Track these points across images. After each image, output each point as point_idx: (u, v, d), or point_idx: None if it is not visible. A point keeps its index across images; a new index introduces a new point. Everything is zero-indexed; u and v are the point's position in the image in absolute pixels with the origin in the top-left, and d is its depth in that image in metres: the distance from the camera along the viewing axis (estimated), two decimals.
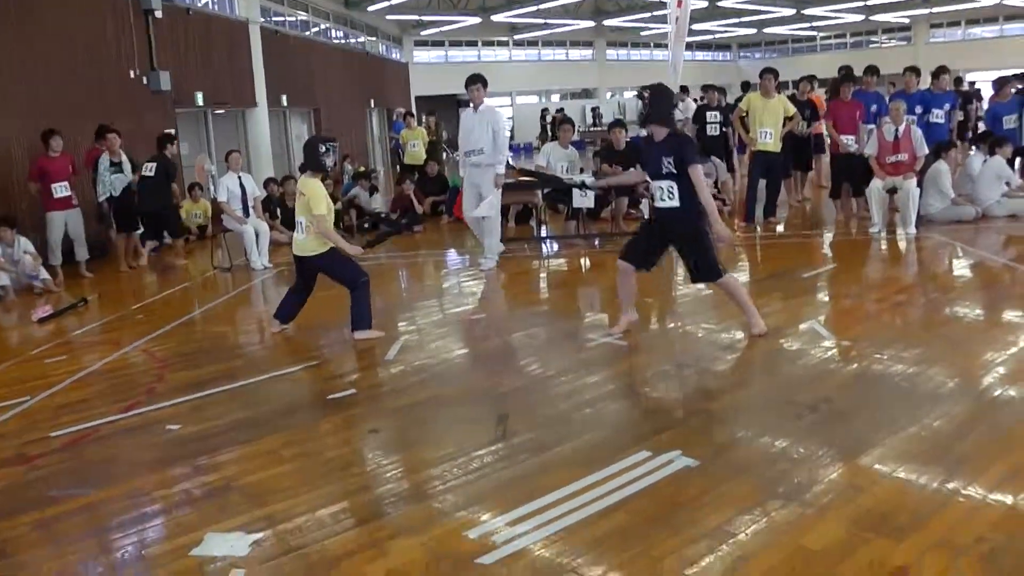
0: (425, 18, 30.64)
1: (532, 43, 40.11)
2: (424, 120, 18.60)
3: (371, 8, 26.60)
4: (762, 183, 11.13)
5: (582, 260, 9.83)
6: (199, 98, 15.44)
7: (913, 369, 5.01)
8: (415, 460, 4.18)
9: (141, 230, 11.25)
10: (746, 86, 15.63)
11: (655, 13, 30.73)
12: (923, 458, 3.76)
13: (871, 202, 9.89)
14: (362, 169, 16.00)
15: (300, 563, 3.20)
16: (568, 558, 3.10)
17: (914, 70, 11.35)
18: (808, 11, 33.20)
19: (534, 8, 29.25)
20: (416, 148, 15.95)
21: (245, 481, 3.99)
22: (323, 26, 24.89)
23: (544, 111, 34.79)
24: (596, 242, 10.64)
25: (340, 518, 3.53)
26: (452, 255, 10.58)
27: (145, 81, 13.47)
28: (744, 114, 11.18)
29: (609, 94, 41.89)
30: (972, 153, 11.37)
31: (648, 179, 6.02)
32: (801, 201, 12.94)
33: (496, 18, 31.07)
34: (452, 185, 13.34)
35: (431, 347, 6.29)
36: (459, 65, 34.75)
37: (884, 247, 9.31)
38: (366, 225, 12.79)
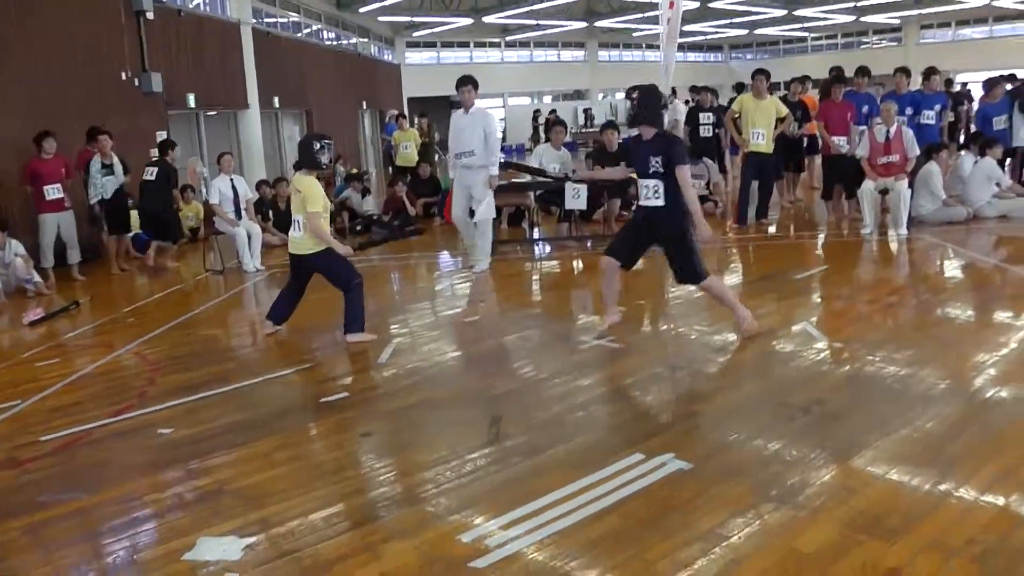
0: (417, 19, 30.62)
1: (524, 44, 40.13)
2: (416, 122, 18.60)
3: (363, 9, 26.57)
4: (754, 184, 11.16)
5: (574, 262, 9.83)
6: (191, 100, 15.41)
7: (905, 371, 5.03)
8: (408, 463, 4.18)
9: (132, 233, 11.22)
10: (740, 87, 15.66)
11: (647, 14, 30.79)
12: (915, 460, 3.78)
13: (863, 203, 9.92)
14: (354, 171, 16.00)
15: (293, 567, 3.20)
16: (561, 561, 3.11)
17: (904, 71, 11.39)
18: (799, 12, 33.27)
19: (526, 9, 29.25)
20: (408, 150, 15.95)
21: (238, 485, 3.98)
22: (315, 27, 24.85)
23: (536, 112, 34.79)
24: (589, 244, 10.64)
25: (333, 522, 3.53)
26: (445, 257, 10.57)
27: (137, 83, 13.43)
28: (737, 115, 11.21)
29: (601, 95, 41.90)
30: (963, 154, 11.41)
31: (634, 176, 6.05)
32: (793, 202, 12.97)
33: (488, 19, 31.06)
34: (445, 187, 13.34)
35: (424, 350, 6.28)
36: (451, 66, 34.74)
37: (876, 248, 9.34)
38: (358, 227, 12.78)
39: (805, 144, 12.84)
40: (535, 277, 9.37)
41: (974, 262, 8.49)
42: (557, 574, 3.03)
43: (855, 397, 4.70)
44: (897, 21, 39.25)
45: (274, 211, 12.39)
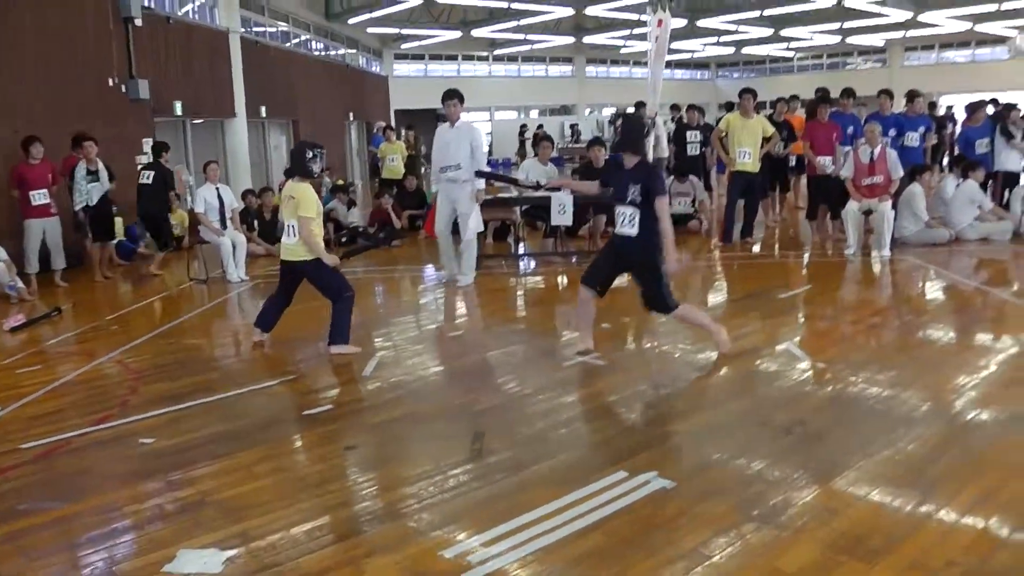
0: (406, 32, 30.69)
1: (512, 59, 40.27)
2: (404, 134, 18.61)
3: (352, 21, 26.63)
4: (740, 203, 11.22)
5: (560, 278, 9.85)
6: (178, 107, 15.37)
7: (887, 392, 5.06)
8: (391, 477, 4.16)
9: (116, 240, 11.16)
10: (731, 107, 15.79)
11: (634, 31, 30.97)
12: (897, 481, 3.80)
13: (847, 224, 10.00)
14: (340, 182, 15.97)
15: None
16: None
17: (888, 93, 11.52)
18: (785, 32, 33.54)
19: (514, 24, 29.36)
20: (395, 162, 15.95)
21: (220, 496, 3.96)
22: (303, 37, 24.88)
23: (523, 127, 34.89)
24: (574, 260, 10.66)
25: (316, 535, 3.52)
26: (429, 270, 10.56)
27: (124, 89, 13.38)
28: (724, 134, 11.28)
29: (588, 111, 42.08)
30: (946, 177, 11.52)
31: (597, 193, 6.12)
32: (778, 222, 13.05)
33: (476, 33, 31.18)
34: (430, 201, 13.34)
35: (408, 363, 6.28)
36: (439, 79, 34.84)
37: (859, 269, 9.40)
38: (343, 239, 12.75)
39: (793, 163, 12.93)
40: (520, 292, 9.38)
41: (956, 284, 8.57)
42: None
43: (838, 417, 4.72)
44: (882, 43, 39.65)
45: (259, 221, 12.36)
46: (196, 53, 16.51)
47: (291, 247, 6.48)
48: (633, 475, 3.93)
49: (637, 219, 5.72)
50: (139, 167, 11.94)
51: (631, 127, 6.00)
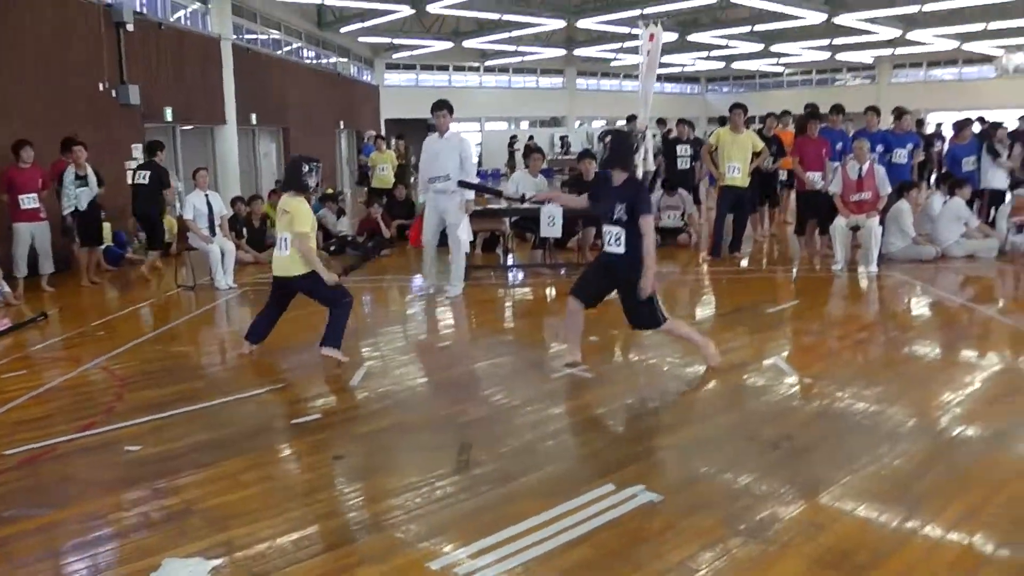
0: (397, 41, 30.73)
1: (503, 70, 40.35)
2: (394, 144, 18.63)
3: (344, 29, 26.65)
4: (729, 217, 11.27)
5: (548, 289, 9.86)
6: (168, 113, 15.35)
7: (874, 407, 5.09)
8: (378, 488, 4.15)
9: (104, 245, 11.12)
10: (724, 121, 15.90)
11: (625, 44, 31.08)
12: (883, 497, 3.82)
13: (835, 239, 10.05)
14: (330, 191, 15.95)
15: None
16: None
17: (875, 109, 11.62)
18: (775, 48, 33.76)
19: (506, 35, 29.44)
20: (385, 172, 15.96)
21: (206, 505, 3.94)
22: (295, 45, 24.89)
23: (513, 138, 34.95)
24: (562, 272, 10.68)
25: (302, 545, 3.50)
26: (418, 280, 10.55)
27: (114, 94, 13.37)
28: (714, 148, 11.34)
29: (578, 123, 42.20)
30: (933, 194, 11.61)
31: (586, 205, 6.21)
32: (766, 236, 13.11)
33: (468, 44, 31.24)
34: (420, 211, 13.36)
35: (396, 373, 6.27)
36: (430, 89, 34.91)
37: (846, 284, 9.45)
38: (332, 247, 12.74)
39: (784, 178, 13.00)
40: (508, 304, 9.38)
41: (942, 300, 8.62)
42: None
43: (824, 433, 4.74)
44: (871, 60, 39.97)
45: (248, 228, 12.33)
46: (187, 59, 16.50)
47: (284, 262, 6.46)
48: (620, 488, 3.94)
49: (623, 238, 5.72)
50: (134, 167, 12.00)
51: (620, 143, 5.99)
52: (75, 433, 5.01)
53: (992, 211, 11.48)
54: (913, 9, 25.61)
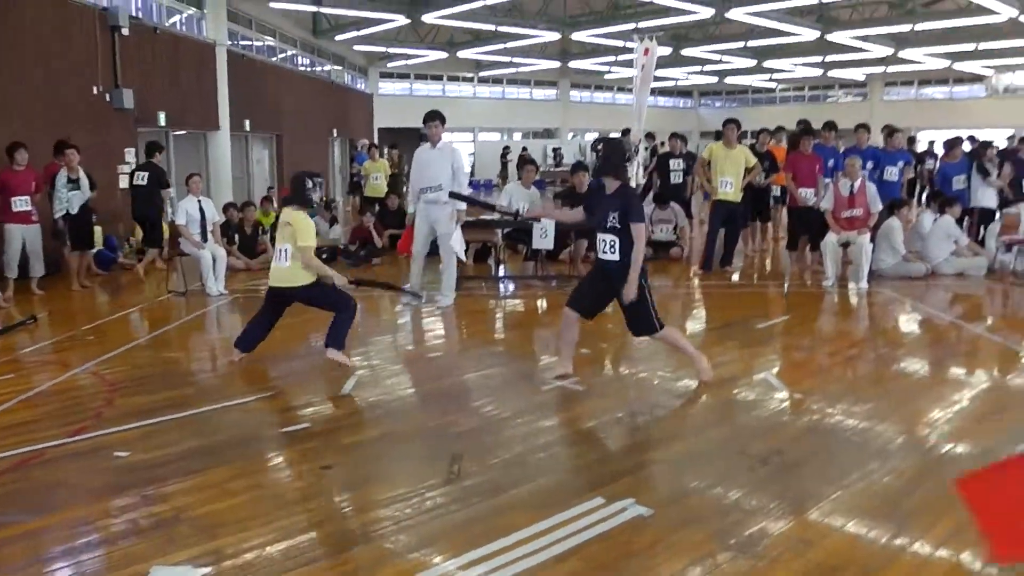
0: (392, 50, 30.75)
1: (497, 81, 40.41)
2: (387, 153, 18.65)
3: (339, 37, 26.67)
4: (721, 232, 11.31)
5: (539, 301, 9.87)
6: (161, 118, 15.32)
7: (863, 424, 5.10)
8: (368, 498, 4.14)
9: (95, 249, 11.09)
10: (719, 136, 15.98)
11: (619, 57, 31.20)
12: (872, 513, 3.83)
13: (825, 256, 10.10)
14: (322, 199, 15.94)
15: None
16: None
17: (865, 127, 11.70)
18: (768, 63, 33.94)
19: (501, 46, 29.52)
20: (379, 180, 15.96)
21: (194, 513, 3.92)
22: (290, 52, 24.90)
23: (506, 149, 34.98)
24: (554, 283, 10.69)
25: (291, 555, 3.49)
26: (407, 290, 10.55)
27: (108, 98, 13.34)
28: (707, 163, 11.38)
29: (571, 135, 42.29)
30: (923, 212, 11.68)
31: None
32: (757, 251, 13.16)
33: (462, 54, 31.30)
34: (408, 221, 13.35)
35: (386, 383, 6.27)
36: (424, 98, 34.89)
37: (836, 300, 9.48)
38: (323, 256, 12.69)
39: (777, 193, 13.04)
40: (499, 315, 9.39)
41: (931, 318, 8.66)
42: None
43: (814, 448, 4.75)
44: (862, 77, 40.21)
45: (240, 235, 12.31)
46: (182, 64, 16.49)
47: (282, 273, 6.48)
48: (611, 501, 3.94)
49: (617, 246, 5.75)
50: (132, 168, 12.18)
51: (612, 151, 6.00)
52: (64, 438, 4.99)
53: (982, 230, 11.55)
54: (905, 28, 25.83)
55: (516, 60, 33.88)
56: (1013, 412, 5.47)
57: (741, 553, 3.45)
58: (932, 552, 3.47)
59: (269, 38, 23.02)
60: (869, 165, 11.05)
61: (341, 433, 5.14)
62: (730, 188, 10.97)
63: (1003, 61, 33.52)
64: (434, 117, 8.91)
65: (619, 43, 27.16)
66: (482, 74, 38.57)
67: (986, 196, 11.71)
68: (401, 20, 23.66)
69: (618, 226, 5.73)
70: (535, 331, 8.51)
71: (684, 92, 48.25)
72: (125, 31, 13.61)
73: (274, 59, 23.33)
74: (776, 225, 14.40)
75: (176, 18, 17.71)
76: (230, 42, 19.08)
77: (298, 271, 6.42)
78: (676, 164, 13.16)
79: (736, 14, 22.10)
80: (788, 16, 23.78)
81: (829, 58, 32.44)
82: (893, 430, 4.99)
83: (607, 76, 40.61)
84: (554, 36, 27.04)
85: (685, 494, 4.12)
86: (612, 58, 32.56)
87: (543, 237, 10.11)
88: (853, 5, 24.42)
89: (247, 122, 19.51)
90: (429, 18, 23.02)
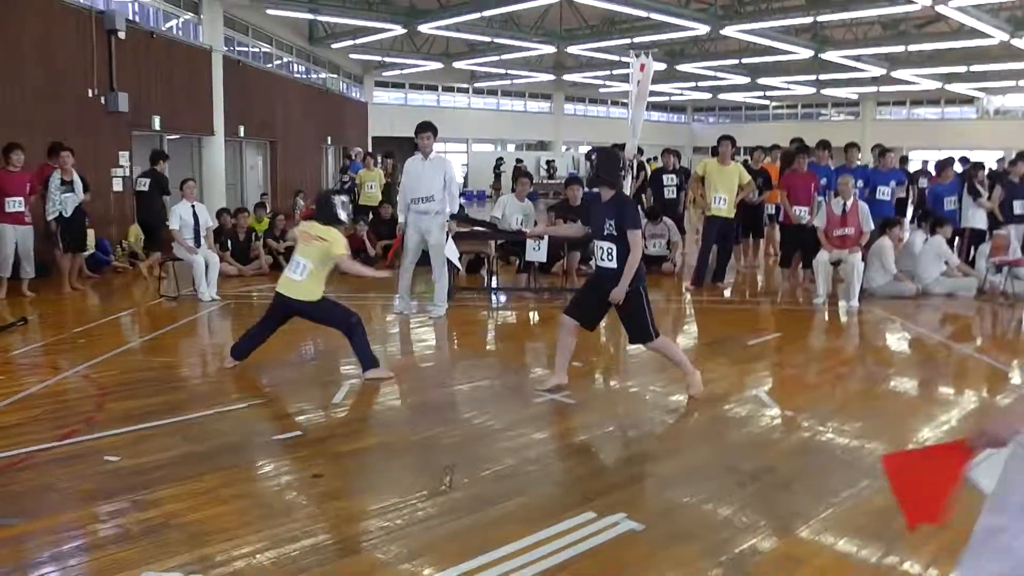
0: (388, 59, 30.80)
1: (492, 92, 40.53)
2: (381, 162, 18.64)
3: (335, 45, 26.71)
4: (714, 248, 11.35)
5: (531, 313, 9.88)
6: (156, 122, 15.32)
7: (854, 442, 5.12)
8: (359, 508, 4.14)
9: (88, 252, 11.06)
10: (715, 152, 16.05)
11: (614, 72, 31.32)
12: (862, 532, 3.84)
13: (817, 274, 10.14)
14: (314, 206, 15.91)
15: None
16: None
17: (855, 145, 11.78)
18: (762, 80, 34.14)
19: (496, 58, 29.62)
20: (373, 189, 15.96)
21: (185, 519, 3.91)
22: (285, 59, 24.91)
23: (499, 160, 35.03)
24: (546, 296, 10.70)
25: (282, 563, 3.48)
26: (400, 300, 10.54)
27: (103, 101, 13.34)
28: (701, 179, 11.42)
29: (564, 148, 42.40)
30: (914, 231, 11.75)
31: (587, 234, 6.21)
32: (750, 268, 13.20)
33: (458, 65, 31.38)
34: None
35: (378, 393, 6.26)
36: (418, 108, 34.99)
37: (827, 318, 9.52)
38: None
39: (773, 211, 13.09)
40: (492, 326, 9.39)
41: (921, 337, 8.69)
42: None
43: (805, 466, 4.77)
44: (855, 96, 40.48)
45: (233, 241, 12.30)
46: (178, 69, 16.49)
47: (296, 285, 6.49)
48: (601, 516, 3.94)
49: (615, 253, 5.80)
50: (136, 175, 12.45)
51: (606, 160, 6.03)
52: (54, 442, 4.97)
53: (972, 250, 11.62)
54: (898, 49, 26.03)
55: (511, 72, 34.00)
56: None
57: (731, 570, 3.46)
58: (922, 571, 3.48)
59: (265, 45, 23.04)
60: (859, 184, 11.13)
61: (333, 442, 5.13)
62: (723, 204, 11.01)
63: (994, 84, 33.82)
64: (426, 128, 8.92)
65: (614, 57, 27.29)
66: (477, 85, 38.68)
67: (977, 217, 11.79)
68: (398, 30, 23.72)
69: (615, 233, 5.77)
70: (527, 343, 8.51)
71: (678, 107, 48.50)
72: (122, 35, 13.62)
73: (270, 66, 23.35)
74: (768, 242, 14.45)
75: (173, 23, 17.74)
76: (226, 48, 19.10)
77: (313, 287, 6.46)
78: (670, 179, 13.20)
79: (731, 31, 22.23)
80: (783, 34, 23.95)
81: (823, 76, 32.69)
82: (883, 448, 5.00)
83: (601, 90, 40.77)
84: (549, 49, 27.14)
85: (676, 510, 4.12)
86: (607, 72, 32.69)
87: (536, 249, 10.13)
88: (847, 25, 24.59)
89: (241, 128, 19.50)
90: (425, 28, 23.08)
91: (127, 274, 11.49)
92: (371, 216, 14.55)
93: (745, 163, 12.82)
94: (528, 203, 11.68)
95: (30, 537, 3.75)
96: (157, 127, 15.44)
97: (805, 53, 25.72)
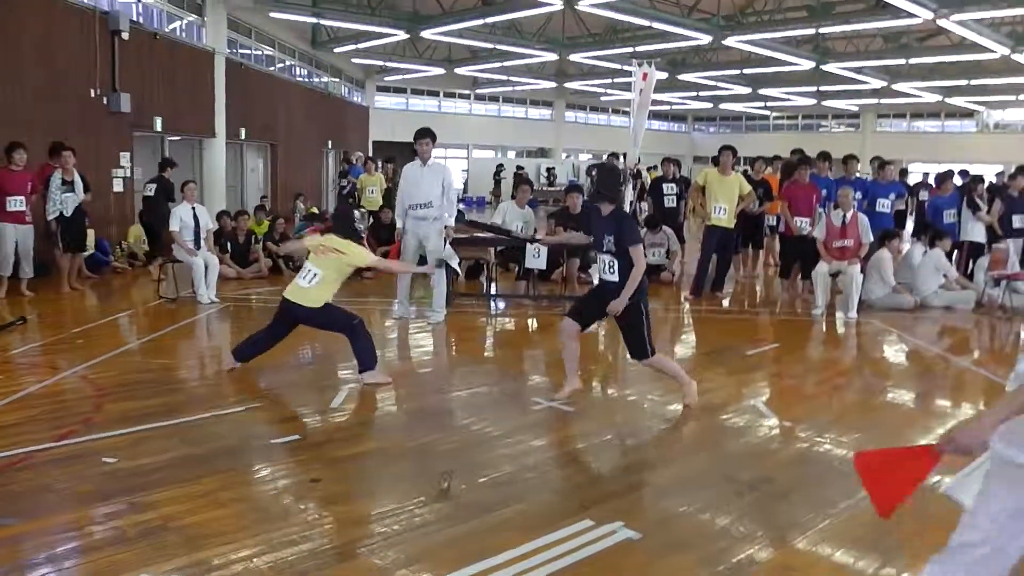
0: (390, 64, 30.84)
1: (493, 98, 40.56)
2: (382, 166, 18.65)
3: (338, 50, 26.73)
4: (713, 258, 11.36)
5: (530, 320, 9.88)
6: (158, 123, 15.31)
7: (851, 453, 5.12)
8: (356, 513, 4.14)
9: (87, 252, 11.06)
10: (717, 161, 16.12)
11: (615, 80, 31.37)
12: (859, 543, 3.85)
13: (816, 285, 10.16)
14: (314, 210, 15.94)
15: None
16: None
17: (853, 157, 11.81)
18: (763, 91, 34.20)
19: (498, 64, 29.66)
20: (374, 194, 15.97)
21: (182, 522, 3.91)
22: (288, 63, 24.93)
23: (499, 167, 35.04)
24: (545, 303, 10.70)
25: (279, 568, 3.49)
26: (399, 305, 10.54)
27: (105, 101, 13.34)
28: (701, 188, 11.43)
29: (565, 155, 42.43)
30: (914, 244, 11.77)
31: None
32: (748, 278, 13.21)
33: (460, 70, 31.42)
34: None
35: (376, 398, 6.26)
36: (420, 113, 35.02)
37: (825, 329, 9.53)
38: None
39: (773, 222, 13.10)
40: (490, 333, 9.39)
41: (918, 349, 8.70)
42: None
43: (802, 477, 4.77)
44: (856, 108, 40.56)
45: (233, 243, 12.30)
46: (180, 70, 16.50)
47: (304, 292, 6.53)
48: (599, 524, 3.95)
49: (616, 267, 5.82)
50: (145, 181, 12.76)
51: (607, 175, 6.06)
52: (51, 442, 4.97)
53: (971, 264, 11.64)
54: (899, 61, 26.10)
55: (513, 79, 34.06)
56: None
57: None
58: None
59: (268, 48, 23.06)
60: (858, 195, 11.15)
61: (331, 446, 5.13)
62: (723, 214, 11.02)
63: (994, 97, 33.91)
64: (425, 135, 8.93)
65: (616, 66, 27.32)
66: (478, 91, 38.73)
67: (976, 230, 11.81)
68: (400, 35, 23.74)
69: (614, 248, 5.79)
70: (525, 350, 8.51)
71: (678, 116, 48.57)
72: (125, 35, 13.62)
73: (272, 69, 23.37)
74: (768, 253, 14.47)
75: (176, 24, 17.75)
76: (229, 50, 19.11)
77: (319, 295, 6.51)
78: (670, 188, 13.21)
79: (733, 42, 22.28)
80: (784, 45, 23.99)
81: (824, 88, 32.74)
82: None
83: (603, 98, 40.82)
84: (551, 56, 27.18)
85: (673, 519, 4.13)
86: (608, 80, 32.74)
87: (536, 257, 10.14)
88: (849, 37, 24.66)
89: (243, 130, 19.51)
90: (428, 34, 23.12)
91: (126, 275, 11.49)
92: (371, 220, 14.53)
93: (745, 173, 12.83)
94: (528, 210, 11.69)
95: (27, 538, 3.75)
96: (159, 128, 15.44)
97: (806, 64, 25.78)
